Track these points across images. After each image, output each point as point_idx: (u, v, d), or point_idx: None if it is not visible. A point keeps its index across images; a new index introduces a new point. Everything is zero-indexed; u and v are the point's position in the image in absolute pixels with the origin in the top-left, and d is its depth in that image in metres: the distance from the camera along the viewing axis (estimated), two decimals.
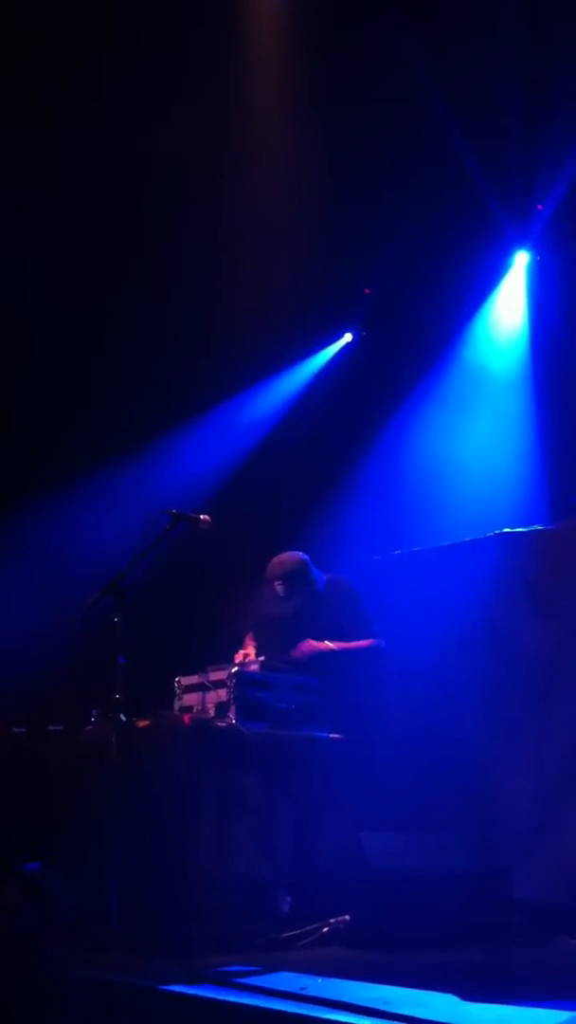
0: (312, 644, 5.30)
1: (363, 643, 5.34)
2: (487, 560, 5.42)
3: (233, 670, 5.00)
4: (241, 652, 5.42)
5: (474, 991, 3.51)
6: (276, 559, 5.52)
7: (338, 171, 7.42)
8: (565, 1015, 3.20)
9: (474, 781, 5.21)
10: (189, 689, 5.15)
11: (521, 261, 7.65)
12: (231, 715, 4.92)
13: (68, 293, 7.30)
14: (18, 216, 7.01)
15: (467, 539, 5.60)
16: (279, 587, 5.41)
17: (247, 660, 5.21)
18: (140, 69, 6.90)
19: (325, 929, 4.52)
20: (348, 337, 8.24)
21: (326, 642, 5.31)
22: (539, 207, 7.33)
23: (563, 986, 3.68)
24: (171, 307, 7.54)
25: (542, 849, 4.85)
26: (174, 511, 5.12)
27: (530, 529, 5.38)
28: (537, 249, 7.54)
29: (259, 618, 5.58)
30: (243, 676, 4.99)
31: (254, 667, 5.13)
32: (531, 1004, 3.35)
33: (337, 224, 7.51)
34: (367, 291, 8.09)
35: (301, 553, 5.54)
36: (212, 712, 4.99)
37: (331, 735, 5.13)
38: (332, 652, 5.28)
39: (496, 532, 5.45)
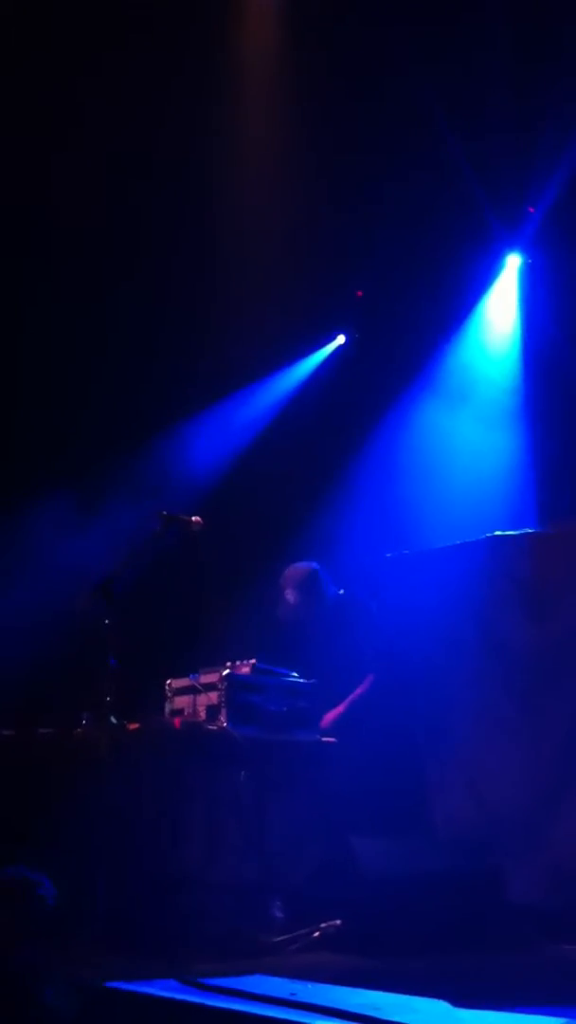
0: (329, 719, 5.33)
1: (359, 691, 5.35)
2: (479, 563, 5.41)
3: (224, 673, 4.99)
4: None
5: (466, 997, 3.49)
6: (289, 568, 5.73)
7: (331, 174, 7.41)
8: (557, 1021, 3.19)
9: (466, 781, 5.19)
10: (180, 692, 5.13)
11: (513, 264, 7.65)
12: (222, 718, 4.90)
13: (60, 297, 7.28)
14: (15, 215, 7.00)
15: (459, 542, 5.59)
16: (288, 594, 5.60)
17: (238, 663, 5.19)
18: (135, 71, 6.89)
19: (316, 934, 4.50)
20: (341, 339, 8.23)
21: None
22: (531, 210, 7.33)
23: (555, 992, 3.66)
24: (163, 309, 7.52)
25: (535, 853, 4.84)
26: (166, 513, 5.11)
27: (521, 532, 5.37)
28: (529, 252, 7.54)
29: (272, 622, 5.65)
30: (234, 679, 4.97)
31: (245, 670, 5.11)
32: (523, 1010, 3.34)
33: (330, 226, 7.50)
34: (359, 293, 8.08)
35: (315, 564, 5.74)
36: (203, 715, 4.97)
37: (323, 738, 5.12)
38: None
39: (488, 535, 5.43)
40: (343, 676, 5.32)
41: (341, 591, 5.67)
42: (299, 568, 5.70)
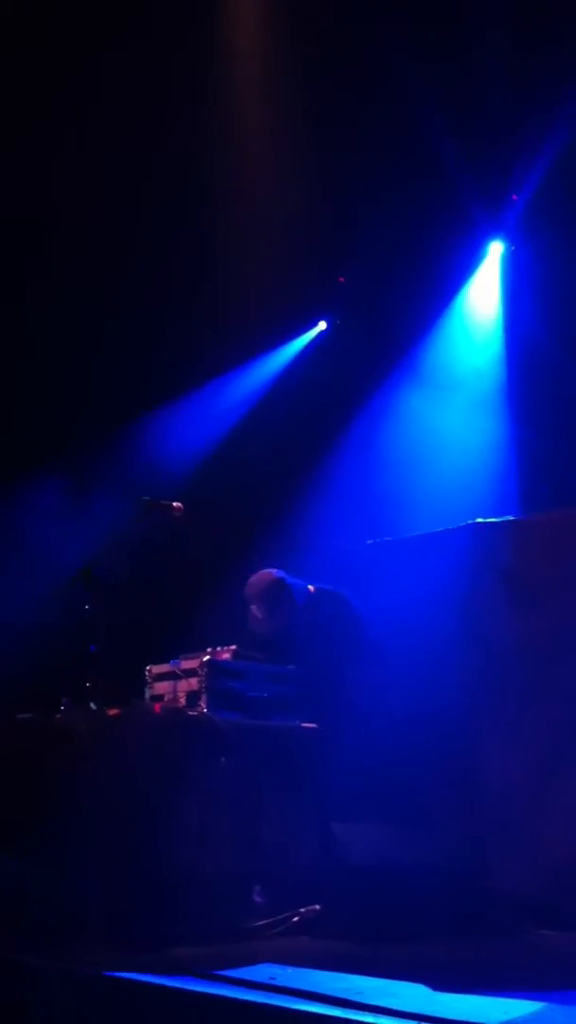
0: None
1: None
2: (461, 550, 5.41)
3: (205, 659, 4.97)
4: None
5: (446, 982, 3.51)
6: (251, 580, 5.43)
7: (314, 160, 7.39)
8: (536, 1005, 3.21)
9: (451, 772, 5.20)
10: (160, 678, 5.11)
11: (496, 251, 7.64)
12: (202, 704, 4.89)
13: (43, 287, 7.25)
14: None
15: (441, 529, 5.59)
16: (256, 610, 5.34)
17: (218, 649, 5.18)
18: (125, 66, 6.87)
19: (296, 919, 4.51)
20: (322, 325, 8.21)
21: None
22: (514, 197, 7.32)
23: (535, 977, 3.68)
24: (145, 295, 7.48)
25: (520, 841, 4.85)
26: (147, 499, 5.09)
27: (503, 520, 5.38)
28: (511, 239, 7.53)
29: (247, 638, 5.52)
30: (215, 665, 4.96)
31: (226, 656, 5.10)
32: (503, 995, 3.35)
33: (312, 213, 7.48)
34: (341, 279, 8.06)
35: (275, 570, 5.46)
36: (183, 701, 4.96)
37: (305, 724, 5.11)
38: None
39: (469, 522, 5.44)
40: (323, 672, 5.28)
41: (311, 587, 5.56)
42: (262, 580, 5.38)
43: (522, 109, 6.88)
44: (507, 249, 7.59)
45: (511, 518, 5.40)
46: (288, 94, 7.33)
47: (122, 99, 6.94)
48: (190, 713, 4.88)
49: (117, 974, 3.69)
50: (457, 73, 6.92)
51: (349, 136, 7.31)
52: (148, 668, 5.17)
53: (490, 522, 5.36)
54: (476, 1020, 2.96)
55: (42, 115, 6.91)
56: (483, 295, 7.72)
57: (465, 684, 5.22)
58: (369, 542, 5.97)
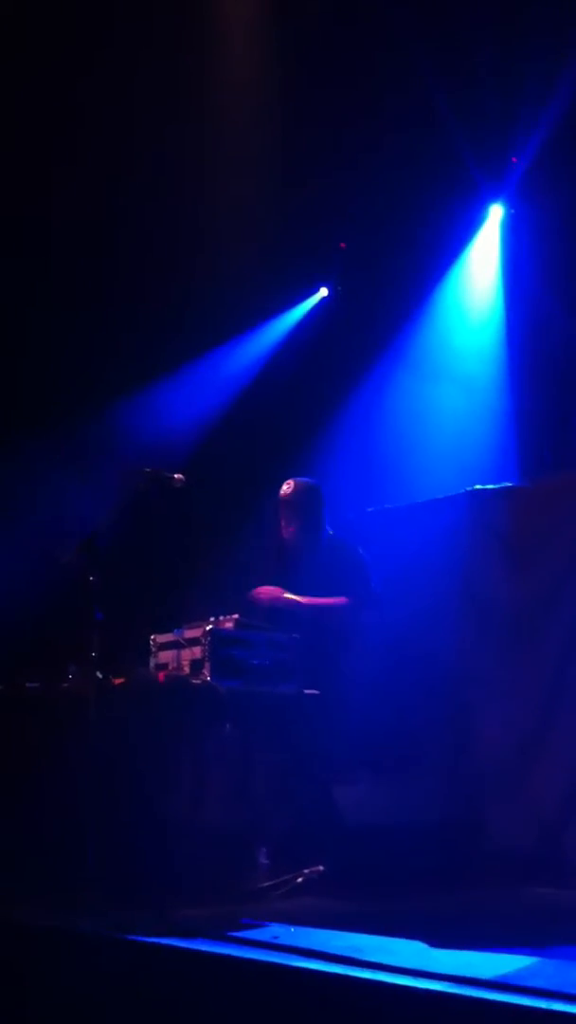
0: (271, 594, 5.37)
1: (331, 600, 5.40)
2: (460, 516, 5.48)
3: (208, 628, 5.05)
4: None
5: (442, 938, 3.61)
6: (290, 484, 5.58)
7: (313, 124, 7.36)
8: (529, 960, 3.30)
9: (447, 732, 5.30)
10: (164, 647, 5.19)
11: (496, 215, 7.63)
12: (206, 672, 4.97)
13: (40, 247, 7.24)
14: None
15: (440, 496, 5.65)
16: (285, 505, 5.43)
17: (221, 619, 5.25)
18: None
19: (299, 880, 4.62)
20: (323, 292, 8.21)
21: (290, 596, 5.38)
22: (514, 160, 7.29)
23: (528, 932, 3.78)
24: (144, 262, 7.48)
25: (513, 799, 4.95)
26: (148, 470, 5.14)
27: (501, 486, 5.44)
28: (511, 203, 7.51)
29: (266, 544, 5.63)
30: (218, 634, 5.04)
31: (228, 625, 5.17)
32: (497, 950, 3.45)
33: (312, 177, 7.46)
34: (343, 245, 8.05)
35: (317, 483, 5.61)
36: (187, 670, 5.04)
37: (306, 691, 5.20)
38: (295, 606, 5.34)
39: (467, 489, 5.50)
40: (324, 639, 5.36)
41: (331, 532, 5.62)
42: (301, 481, 5.57)
43: (523, 69, 6.84)
44: (507, 213, 7.56)
45: (508, 484, 5.46)
46: (286, 56, 7.28)
47: (107, 53, 6.90)
48: (194, 681, 4.96)
49: (118, 934, 3.79)
50: (458, 33, 6.87)
51: (349, 99, 7.27)
52: (152, 637, 5.25)
53: (487, 489, 5.42)
54: (469, 975, 3.04)
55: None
56: (483, 259, 7.71)
57: (461, 645, 5.31)
58: (369, 509, 6.04)
